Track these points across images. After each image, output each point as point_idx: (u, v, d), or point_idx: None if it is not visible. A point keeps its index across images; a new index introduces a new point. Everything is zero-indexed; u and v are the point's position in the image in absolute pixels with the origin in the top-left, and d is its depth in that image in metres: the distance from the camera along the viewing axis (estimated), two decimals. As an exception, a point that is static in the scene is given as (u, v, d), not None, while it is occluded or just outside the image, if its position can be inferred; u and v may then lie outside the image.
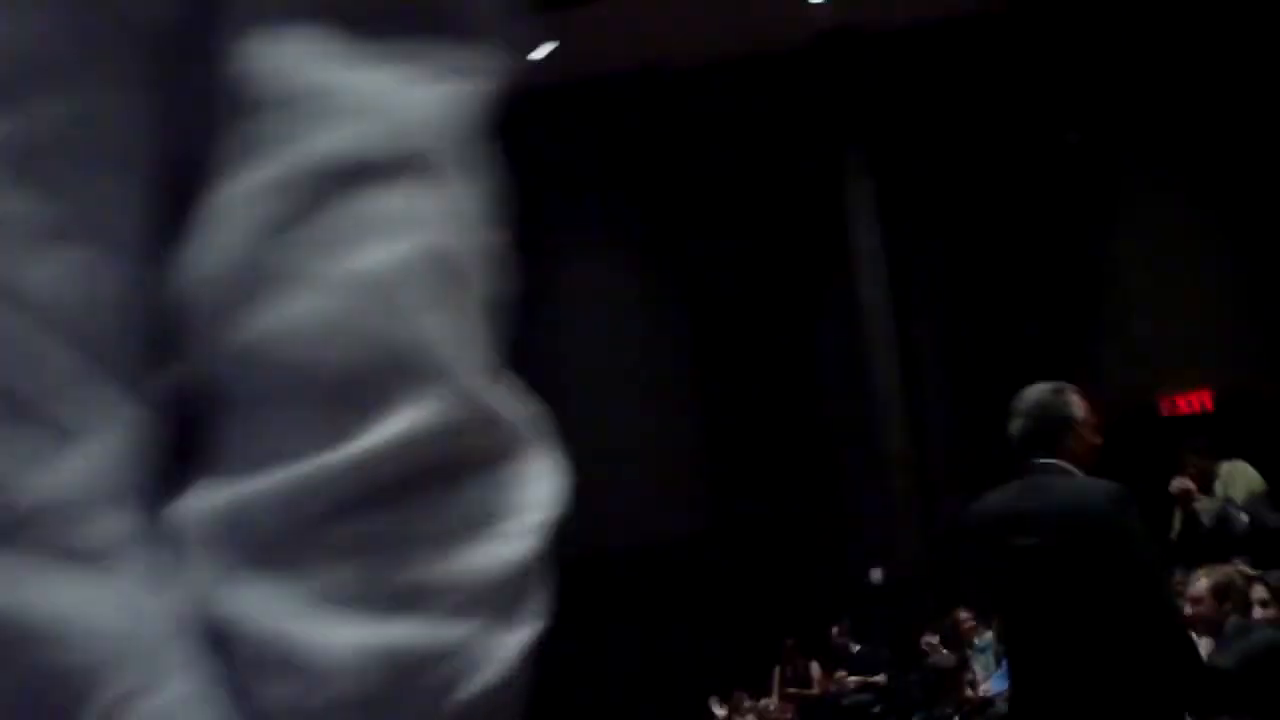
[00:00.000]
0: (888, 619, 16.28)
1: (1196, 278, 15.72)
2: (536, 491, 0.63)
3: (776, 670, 15.59)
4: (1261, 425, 13.62)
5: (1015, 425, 4.67)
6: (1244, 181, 16.05)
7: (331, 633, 0.57)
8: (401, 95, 0.61)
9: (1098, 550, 4.20)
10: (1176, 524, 10.04)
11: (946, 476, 16.21)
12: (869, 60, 16.93)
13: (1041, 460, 4.52)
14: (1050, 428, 4.52)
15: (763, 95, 17.24)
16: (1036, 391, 4.66)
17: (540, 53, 16.37)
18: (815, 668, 15.48)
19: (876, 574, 16.80)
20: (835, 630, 15.62)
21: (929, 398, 16.94)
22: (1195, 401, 15.37)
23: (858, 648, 15.53)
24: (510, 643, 0.61)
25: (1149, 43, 15.96)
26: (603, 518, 16.14)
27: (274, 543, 0.57)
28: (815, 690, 15.32)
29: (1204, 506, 9.12)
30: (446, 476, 0.59)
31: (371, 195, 0.59)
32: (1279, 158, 16.19)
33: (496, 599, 0.60)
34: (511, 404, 0.63)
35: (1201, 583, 7.95)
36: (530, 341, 16.91)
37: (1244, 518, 8.90)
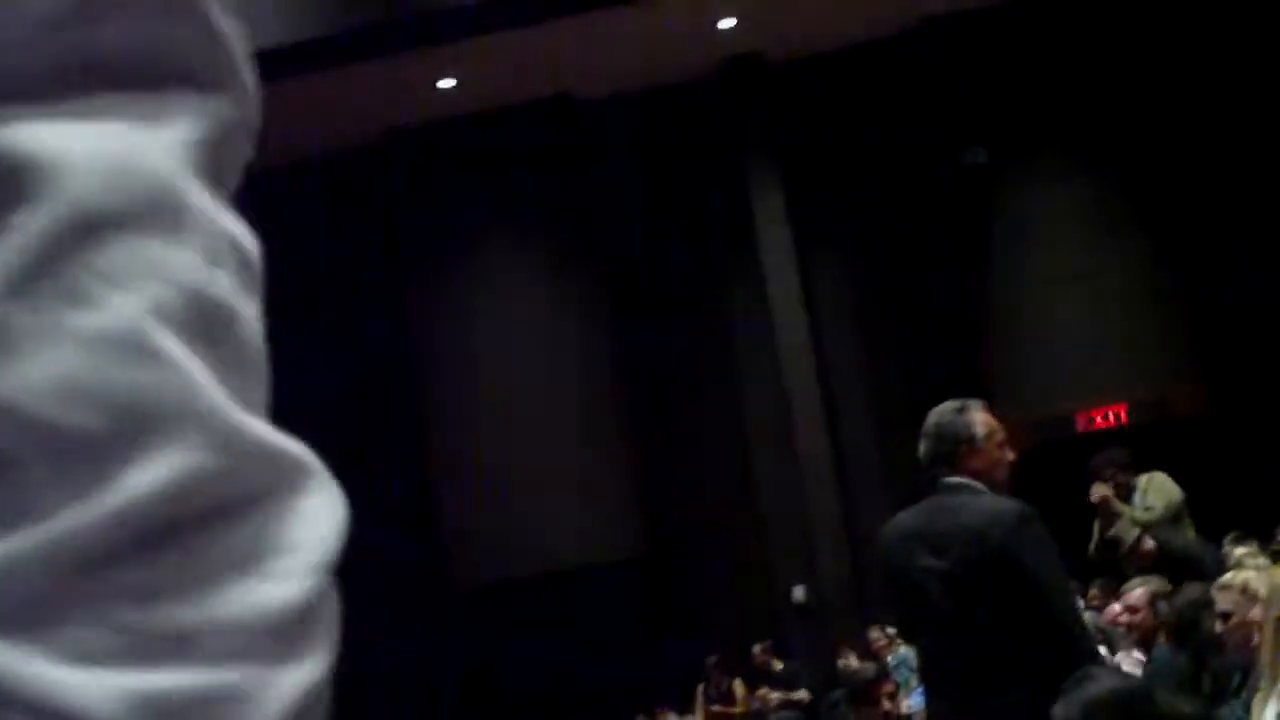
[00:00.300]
0: (810, 637, 16.34)
1: (1109, 294, 15.87)
2: (314, 528, 0.62)
3: (700, 688, 15.61)
4: (1175, 439, 13.77)
5: (922, 445, 4.71)
6: (1156, 199, 16.24)
7: (98, 686, 0.56)
8: (135, 143, 0.61)
9: (999, 571, 4.23)
10: (1096, 536, 10.12)
11: (868, 495, 16.29)
12: (776, 86, 17.02)
13: (948, 479, 4.55)
14: (953, 447, 4.55)
15: (670, 122, 17.32)
16: (939, 411, 4.69)
17: (447, 84, 16.37)
18: (739, 685, 15.51)
19: (799, 592, 16.86)
20: (757, 649, 15.66)
21: (848, 416, 17.02)
22: (1110, 416, 15.52)
23: (780, 665, 15.59)
24: (287, 685, 0.59)
25: (1055, 62, 16.13)
26: (525, 541, 16.10)
27: (34, 602, 0.57)
28: (738, 708, 15.34)
29: (1120, 531, 9.19)
30: (209, 521, 0.59)
31: (111, 246, 0.59)
32: (1193, 173, 16.41)
33: (269, 641, 0.59)
34: (281, 441, 0.62)
35: (1137, 592, 8.02)
36: (448, 367, 16.85)
37: (1149, 543, 8.97)
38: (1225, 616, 6.17)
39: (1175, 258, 16.26)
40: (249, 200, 0.65)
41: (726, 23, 16.39)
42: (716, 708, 15.40)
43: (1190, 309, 16.18)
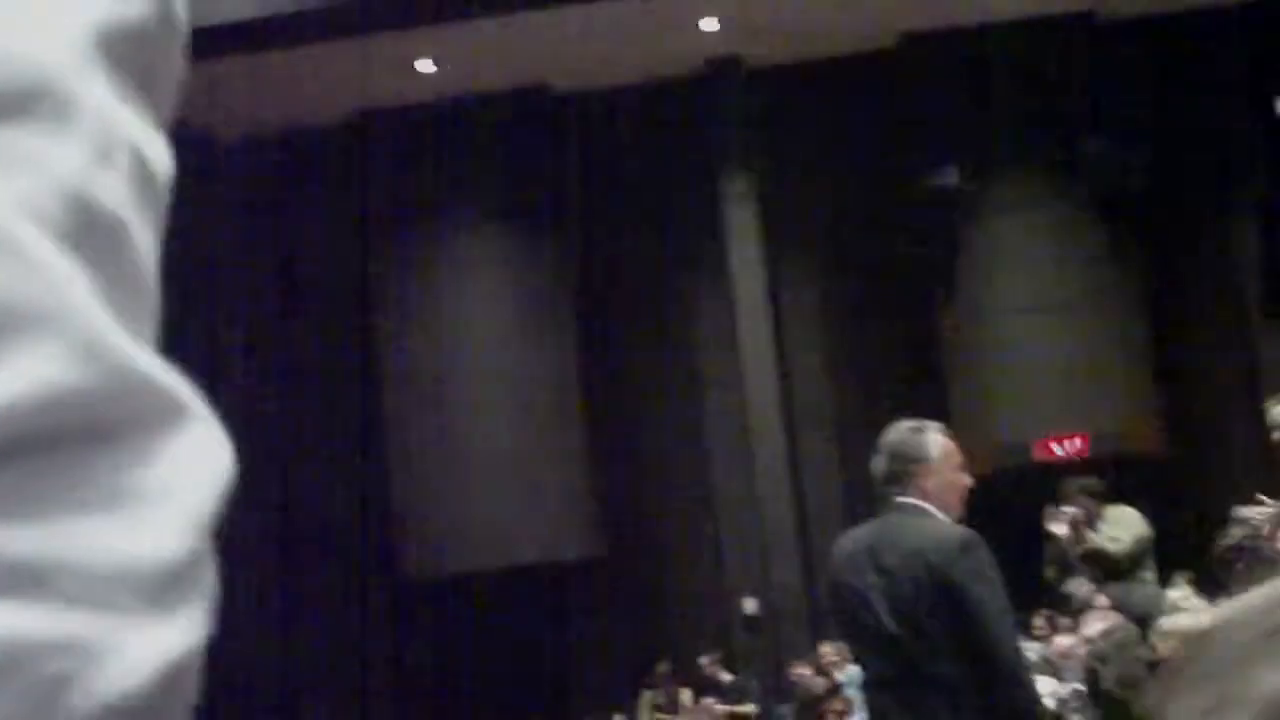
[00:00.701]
0: (761, 649, 16.33)
1: (1076, 325, 15.93)
2: (189, 476, 0.55)
3: (646, 694, 15.59)
4: (1132, 474, 13.81)
5: (876, 463, 4.70)
6: (1128, 231, 16.31)
7: None
8: (20, 27, 0.55)
9: (940, 595, 4.22)
10: (1050, 560, 10.15)
11: (823, 509, 16.29)
12: (754, 91, 17.03)
13: (900, 499, 4.54)
14: (906, 467, 4.54)
15: (646, 120, 17.30)
16: (896, 430, 4.68)
17: (425, 66, 16.33)
18: (686, 694, 15.49)
19: (750, 604, 16.84)
20: (705, 660, 15.64)
21: (808, 430, 17.02)
22: (1069, 447, 15.57)
23: (728, 677, 15.57)
24: (150, 649, 0.52)
25: (1033, 86, 16.17)
26: (481, 535, 16.05)
27: None
28: (683, 718, 15.32)
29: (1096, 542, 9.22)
30: (62, 444, 0.52)
31: None
32: (1168, 207, 16.49)
33: (130, 595, 0.52)
34: (162, 373, 0.56)
35: (1096, 625, 8.03)
36: (409, 356, 16.79)
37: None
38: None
39: (1144, 292, 16.34)
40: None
41: (708, 24, 16.40)
42: (661, 716, 15.38)
43: (1155, 346, 16.26)
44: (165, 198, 0.59)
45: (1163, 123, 16.52)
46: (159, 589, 0.53)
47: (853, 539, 4.73)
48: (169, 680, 0.53)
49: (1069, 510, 9.44)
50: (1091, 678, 7.01)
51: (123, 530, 0.53)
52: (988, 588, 4.28)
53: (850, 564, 4.59)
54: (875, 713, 4.75)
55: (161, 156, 0.60)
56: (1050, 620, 10.64)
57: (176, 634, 0.54)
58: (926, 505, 4.53)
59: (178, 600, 0.54)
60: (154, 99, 0.60)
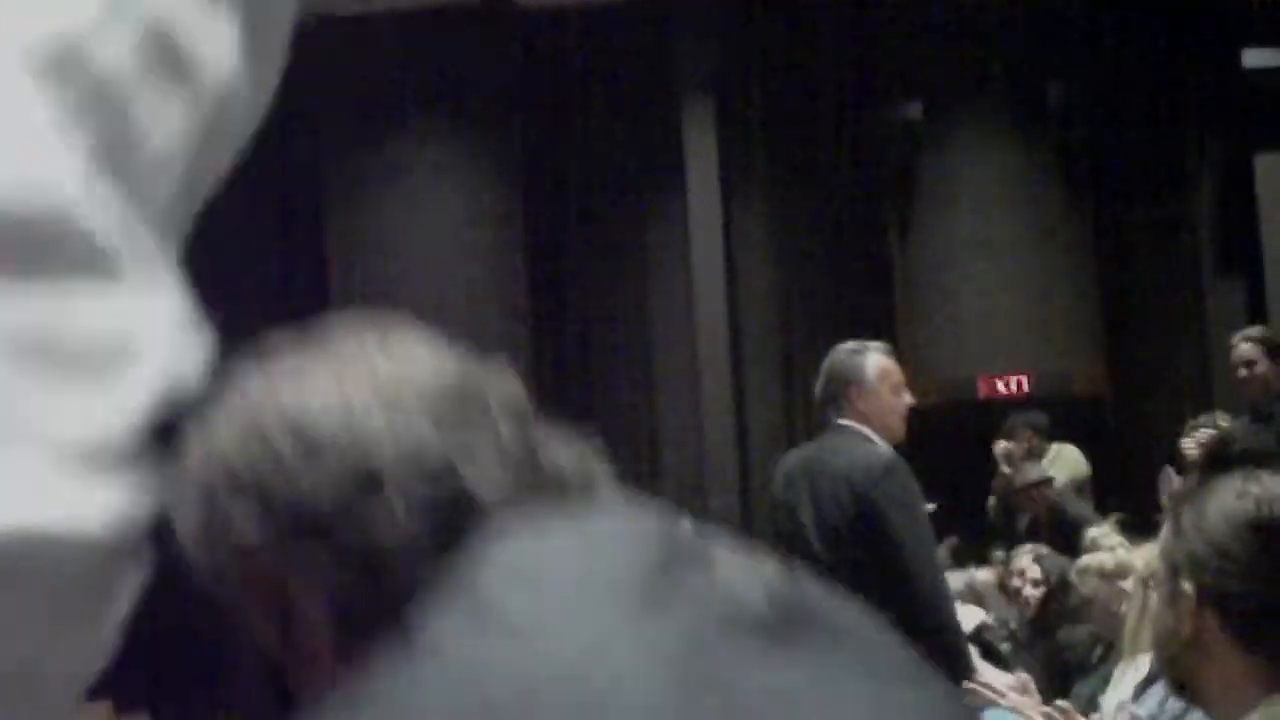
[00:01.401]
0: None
1: (1026, 263, 15.94)
2: (146, 335, 0.51)
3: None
4: (1075, 416, 13.88)
5: (817, 384, 4.63)
6: (1085, 172, 16.30)
7: None
8: None
9: (862, 520, 4.17)
10: (994, 501, 10.19)
11: (766, 437, 16.31)
12: (717, 17, 16.87)
13: (838, 421, 4.48)
14: (843, 388, 4.47)
15: (609, 41, 17.13)
16: (837, 351, 4.62)
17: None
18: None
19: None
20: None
21: (755, 361, 17.00)
22: (1013, 385, 15.59)
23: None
24: (88, 508, 0.48)
25: (995, 24, 16.07)
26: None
27: None
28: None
29: (1026, 472, 9.26)
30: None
31: None
32: (1114, 148, 16.48)
33: (70, 451, 0.48)
34: (143, 238, 0.51)
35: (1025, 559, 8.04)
36: (358, 271, 16.64)
37: (1050, 495, 9.08)
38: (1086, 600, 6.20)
39: (1094, 236, 16.35)
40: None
41: (673, -54, 16.23)
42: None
43: (1103, 289, 16.29)
44: (212, 89, 0.56)
45: (1124, 71, 16.46)
46: (94, 454, 0.49)
47: (790, 461, 4.68)
48: (103, 548, 0.49)
49: (1008, 445, 9.49)
50: (1023, 610, 7.03)
51: (70, 382, 0.48)
52: (907, 514, 4.22)
53: (787, 484, 4.54)
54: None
55: (212, 48, 0.56)
56: (985, 552, 10.71)
57: (113, 500, 0.49)
58: (862, 428, 4.46)
59: (111, 463, 0.49)
60: None
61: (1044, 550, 8.02)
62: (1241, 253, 16.00)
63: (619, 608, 0.93)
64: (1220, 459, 2.28)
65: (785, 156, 17.18)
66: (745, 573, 1.04)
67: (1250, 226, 15.75)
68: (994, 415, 12.74)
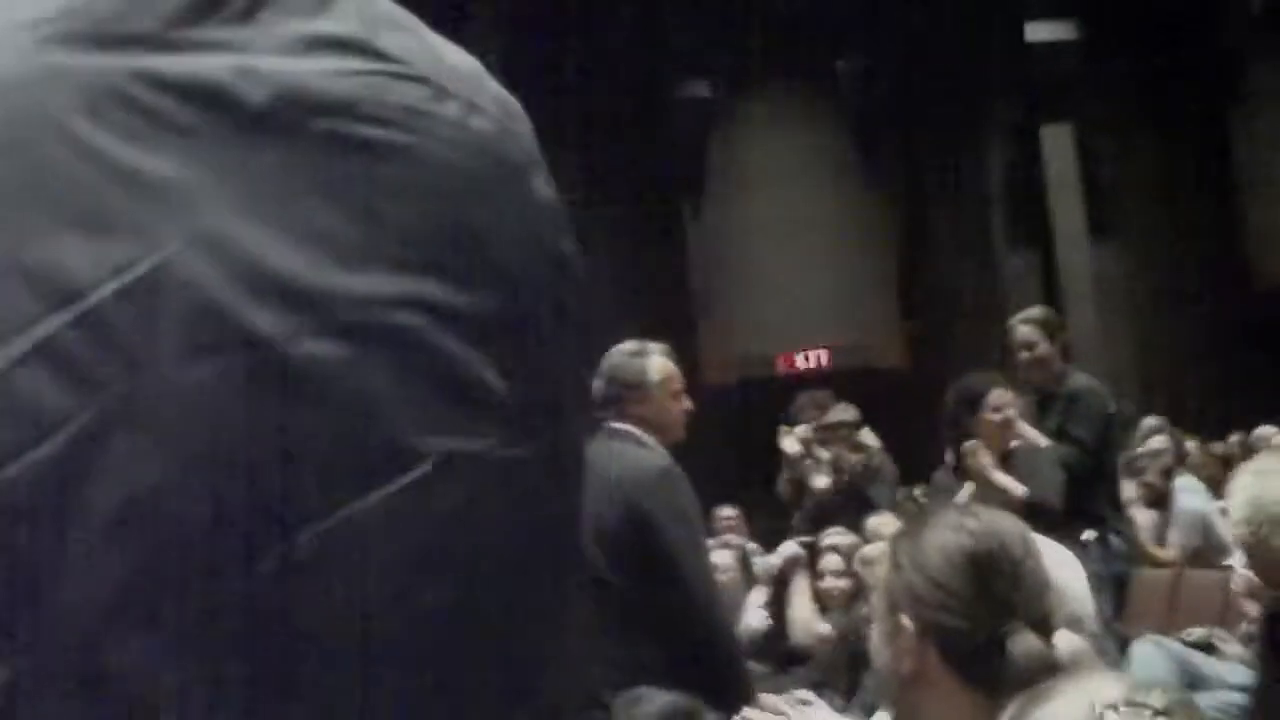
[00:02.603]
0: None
1: (823, 241, 16.00)
2: None
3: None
4: (875, 388, 13.95)
5: (595, 386, 4.41)
6: (871, 148, 16.40)
7: None
8: None
9: (633, 527, 3.99)
10: (784, 481, 10.09)
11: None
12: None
13: (614, 425, 4.27)
14: (620, 392, 4.26)
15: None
16: (616, 352, 4.41)
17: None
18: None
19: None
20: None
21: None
22: (812, 359, 15.63)
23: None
24: None
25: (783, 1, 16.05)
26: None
27: None
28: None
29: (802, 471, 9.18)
30: None
31: None
32: (909, 123, 16.60)
33: None
34: None
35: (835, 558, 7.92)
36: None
37: (821, 481, 9.01)
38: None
39: (892, 210, 16.46)
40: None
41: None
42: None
43: (902, 263, 16.41)
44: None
45: (915, 44, 16.56)
46: None
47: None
48: None
49: (799, 429, 9.37)
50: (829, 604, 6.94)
51: None
52: (681, 524, 4.05)
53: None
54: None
55: None
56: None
57: None
58: (638, 431, 4.26)
59: None
60: None
61: (842, 540, 7.89)
62: (1031, 222, 16.23)
63: None
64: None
65: (575, 137, 16.95)
66: None
67: (1039, 195, 15.99)
68: (794, 390, 12.74)
